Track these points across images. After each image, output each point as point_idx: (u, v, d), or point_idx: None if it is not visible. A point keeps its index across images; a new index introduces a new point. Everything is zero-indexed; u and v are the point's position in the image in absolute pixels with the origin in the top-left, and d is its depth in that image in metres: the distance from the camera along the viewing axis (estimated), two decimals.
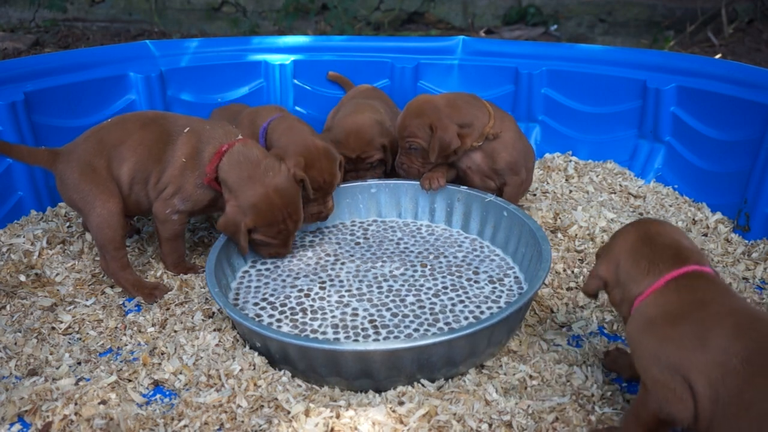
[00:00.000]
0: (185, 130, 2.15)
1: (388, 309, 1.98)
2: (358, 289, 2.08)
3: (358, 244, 2.35)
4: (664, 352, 1.40)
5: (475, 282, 2.10)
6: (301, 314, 1.96)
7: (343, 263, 2.22)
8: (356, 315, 1.95)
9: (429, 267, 2.18)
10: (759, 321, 1.37)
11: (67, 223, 2.57)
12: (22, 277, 2.23)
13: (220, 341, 1.89)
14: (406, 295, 2.04)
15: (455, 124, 2.29)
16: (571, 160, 3.13)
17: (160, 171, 2.12)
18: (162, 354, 1.88)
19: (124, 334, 1.98)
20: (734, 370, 1.32)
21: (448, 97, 2.37)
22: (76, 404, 1.67)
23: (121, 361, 1.87)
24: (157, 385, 1.78)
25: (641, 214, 2.67)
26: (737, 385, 1.30)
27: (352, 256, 2.27)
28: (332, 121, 2.70)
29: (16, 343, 1.93)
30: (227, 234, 2.10)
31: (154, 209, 2.16)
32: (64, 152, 2.13)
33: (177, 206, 2.14)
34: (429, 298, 2.02)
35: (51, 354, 1.90)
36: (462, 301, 2.00)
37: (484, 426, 1.58)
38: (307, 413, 1.61)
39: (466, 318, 1.93)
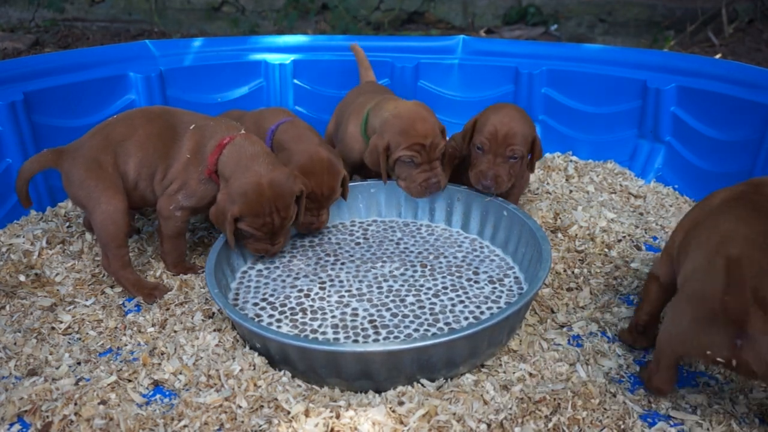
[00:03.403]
0: (191, 127, 2.15)
1: (388, 309, 1.97)
2: (358, 289, 2.07)
3: (358, 244, 2.35)
4: (689, 213, 1.81)
5: (475, 282, 2.10)
6: (300, 314, 1.96)
7: (343, 263, 2.22)
8: (356, 315, 1.95)
9: (429, 267, 2.18)
10: (754, 220, 1.58)
11: (67, 223, 2.57)
12: (22, 277, 2.23)
13: (220, 341, 1.89)
14: (406, 296, 2.03)
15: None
16: (571, 160, 3.13)
17: (165, 167, 2.13)
18: (162, 354, 1.88)
19: (124, 334, 1.98)
20: (696, 222, 1.71)
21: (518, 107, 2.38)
22: (75, 404, 1.67)
23: (121, 361, 1.86)
24: (157, 385, 1.78)
25: (641, 214, 2.67)
26: (688, 237, 1.69)
27: (352, 256, 2.27)
28: (335, 128, 2.67)
29: (15, 343, 1.93)
30: (217, 224, 2.09)
31: (158, 205, 2.17)
32: (69, 150, 2.14)
33: (181, 202, 2.14)
34: (429, 299, 2.02)
35: (51, 354, 1.90)
36: (462, 302, 2.00)
37: (483, 426, 1.58)
38: (307, 413, 1.61)
39: (466, 318, 1.93)
